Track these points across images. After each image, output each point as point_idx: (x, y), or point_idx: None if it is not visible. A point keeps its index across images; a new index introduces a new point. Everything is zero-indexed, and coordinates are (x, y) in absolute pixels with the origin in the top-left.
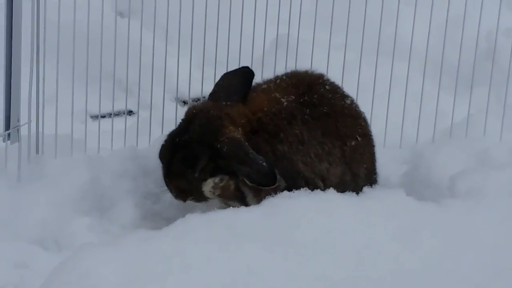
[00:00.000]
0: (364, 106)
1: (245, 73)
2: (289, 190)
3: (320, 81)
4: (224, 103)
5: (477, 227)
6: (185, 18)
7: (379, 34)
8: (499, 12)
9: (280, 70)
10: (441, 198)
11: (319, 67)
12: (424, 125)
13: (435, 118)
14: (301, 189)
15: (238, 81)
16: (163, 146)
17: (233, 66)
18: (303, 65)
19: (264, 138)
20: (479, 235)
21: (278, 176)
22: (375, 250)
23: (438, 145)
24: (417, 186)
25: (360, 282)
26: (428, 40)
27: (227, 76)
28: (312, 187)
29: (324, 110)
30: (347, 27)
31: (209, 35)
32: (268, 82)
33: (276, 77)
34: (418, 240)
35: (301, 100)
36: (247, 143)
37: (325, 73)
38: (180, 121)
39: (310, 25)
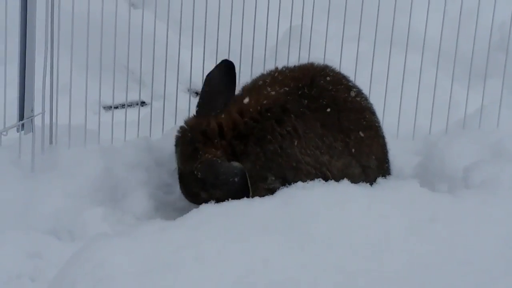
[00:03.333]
0: (377, 98)
1: (224, 68)
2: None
3: (322, 73)
4: (206, 116)
5: (492, 218)
6: (199, 9)
7: (393, 26)
8: None
9: (293, 62)
10: (455, 189)
11: (332, 59)
12: (437, 117)
13: (448, 110)
14: (307, 180)
15: (218, 80)
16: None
17: (246, 58)
18: (316, 57)
19: (253, 141)
20: (494, 226)
21: (272, 178)
22: (390, 242)
23: (452, 136)
24: (431, 178)
25: (374, 274)
26: (441, 32)
27: (208, 79)
28: (321, 175)
29: (324, 103)
30: (361, 19)
31: (222, 26)
32: (265, 76)
33: (276, 69)
34: (432, 231)
35: (300, 92)
36: (219, 160)
37: (338, 64)
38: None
39: (323, 16)
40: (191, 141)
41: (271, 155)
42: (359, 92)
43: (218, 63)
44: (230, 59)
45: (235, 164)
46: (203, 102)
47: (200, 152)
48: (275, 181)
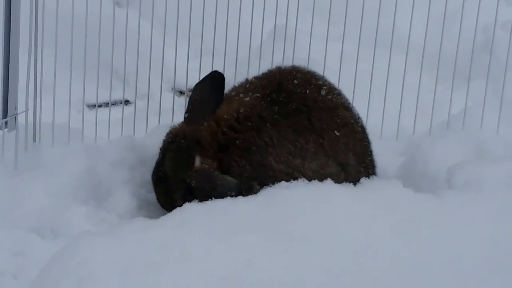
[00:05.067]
0: (361, 98)
1: (214, 78)
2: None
3: (289, 77)
4: (197, 124)
5: (475, 219)
6: (183, 8)
7: (377, 26)
8: (497, 4)
9: (278, 61)
10: (438, 190)
11: (316, 58)
12: (421, 117)
13: (432, 110)
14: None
15: (208, 89)
16: (152, 174)
17: (230, 57)
18: (300, 56)
19: (237, 154)
20: (477, 227)
21: (257, 187)
22: (373, 242)
23: (435, 137)
24: (414, 178)
25: (358, 274)
26: (426, 33)
27: (198, 87)
28: (293, 179)
29: (294, 107)
30: (345, 19)
31: (207, 25)
32: (237, 88)
33: (246, 80)
34: (416, 232)
35: (269, 98)
36: (215, 171)
37: (322, 64)
38: (159, 148)
39: (308, 16)
40: (185, 149)
41: (256, 165)
42: (331, 89)
43: (208, 73)
44: (214, 59)
45: (230, 178)
46: (192, 110)
47: (197, 161)
48: (260, 190)
